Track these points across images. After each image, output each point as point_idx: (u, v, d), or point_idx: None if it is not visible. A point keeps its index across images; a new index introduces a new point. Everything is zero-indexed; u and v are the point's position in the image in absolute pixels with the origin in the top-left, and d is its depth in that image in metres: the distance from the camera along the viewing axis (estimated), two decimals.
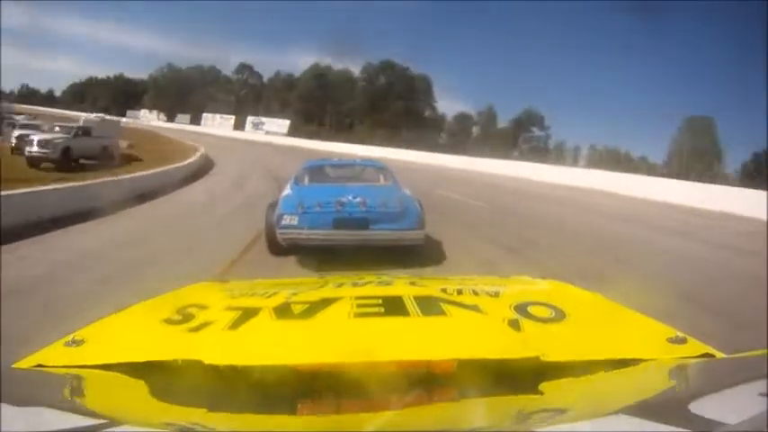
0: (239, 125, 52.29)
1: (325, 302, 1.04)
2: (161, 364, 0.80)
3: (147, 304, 1.26)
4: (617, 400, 0.72)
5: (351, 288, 1.31)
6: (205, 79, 57.82)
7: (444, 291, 1.17)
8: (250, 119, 52.64)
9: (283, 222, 4.76)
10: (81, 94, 65.46)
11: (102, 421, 0.60)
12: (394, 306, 1.01)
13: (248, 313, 0.99)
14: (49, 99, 63.41)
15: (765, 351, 0.83)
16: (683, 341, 0.90)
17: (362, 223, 4.68)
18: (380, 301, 1.05)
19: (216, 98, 55.38)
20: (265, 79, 58.30)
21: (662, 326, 1.00)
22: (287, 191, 5.45)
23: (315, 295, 1.16)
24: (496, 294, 1.21)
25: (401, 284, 1.38)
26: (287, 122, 49.32)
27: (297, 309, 1.02)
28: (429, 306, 1.00)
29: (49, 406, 0.67)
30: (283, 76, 56.42)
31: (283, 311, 1.01)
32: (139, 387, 0.76)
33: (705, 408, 0.58)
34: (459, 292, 1.18)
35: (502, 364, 0.78)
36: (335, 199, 4.83)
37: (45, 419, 0.61)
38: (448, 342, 0.86)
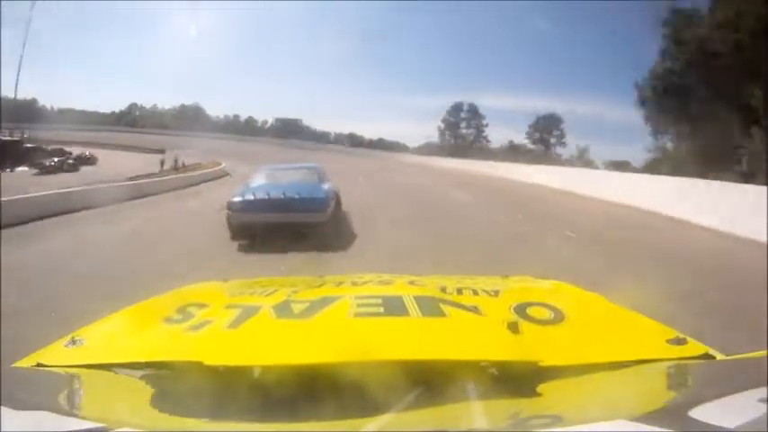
0: None
1: (325, 301, 1.04)
2: (161, 364, 0.80)
3: (148, 303, 1.26)
4: (616, 402, 0.72)
5: (350, 287, 1.30)
6: None
7: (444, 290, 1.17)
8: None
9: (233, 208, 6.64)
10: None
11: (101, 424, 0.60)
12: (394, 306, 1.01)
13: (248, 312, 0.98)
14: None
15: (765, 352, 0.83)
16: (682, 342, 0.90)
17: (284, 209, 6.54)
18: (380, 301, 1.05)
19: None
20: None
21: (662, 327, 1.00)
22: (240, 187, 7.30)
23: (314, 294, 1.16)
24: (496, 294, 1.21)
25: (401, 284, 1.38)
26: None
27: (297, 308, 1.01)
28: (429, 306, 1.00)
29: (49, 406, 0.67)
30: None
31: (283, 310, 1.00)
32: (140, 388, 0.76)
33: (705, 411, 0.58)
34: (459, 292, 1.18)
35: (500, 366, 0.78)
36: (270, 192, 6.79)
37: (45, 420, 0.61)
38: (447, 344, 0.86)
